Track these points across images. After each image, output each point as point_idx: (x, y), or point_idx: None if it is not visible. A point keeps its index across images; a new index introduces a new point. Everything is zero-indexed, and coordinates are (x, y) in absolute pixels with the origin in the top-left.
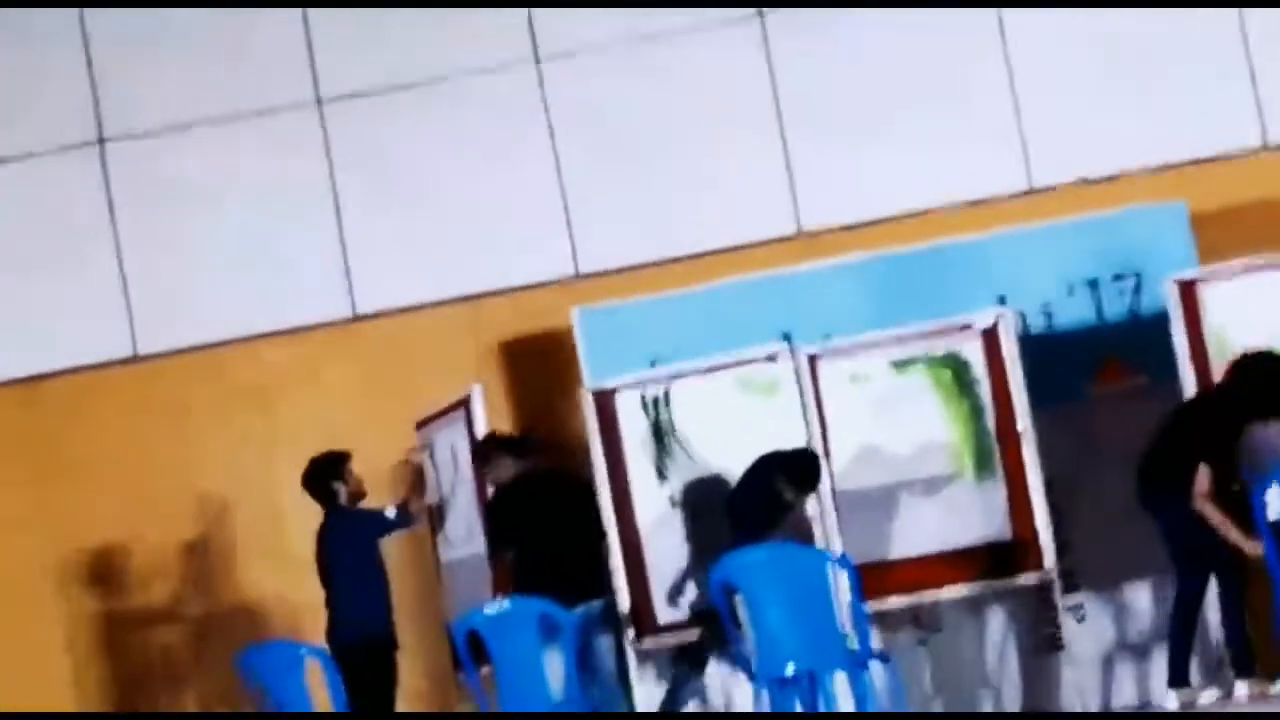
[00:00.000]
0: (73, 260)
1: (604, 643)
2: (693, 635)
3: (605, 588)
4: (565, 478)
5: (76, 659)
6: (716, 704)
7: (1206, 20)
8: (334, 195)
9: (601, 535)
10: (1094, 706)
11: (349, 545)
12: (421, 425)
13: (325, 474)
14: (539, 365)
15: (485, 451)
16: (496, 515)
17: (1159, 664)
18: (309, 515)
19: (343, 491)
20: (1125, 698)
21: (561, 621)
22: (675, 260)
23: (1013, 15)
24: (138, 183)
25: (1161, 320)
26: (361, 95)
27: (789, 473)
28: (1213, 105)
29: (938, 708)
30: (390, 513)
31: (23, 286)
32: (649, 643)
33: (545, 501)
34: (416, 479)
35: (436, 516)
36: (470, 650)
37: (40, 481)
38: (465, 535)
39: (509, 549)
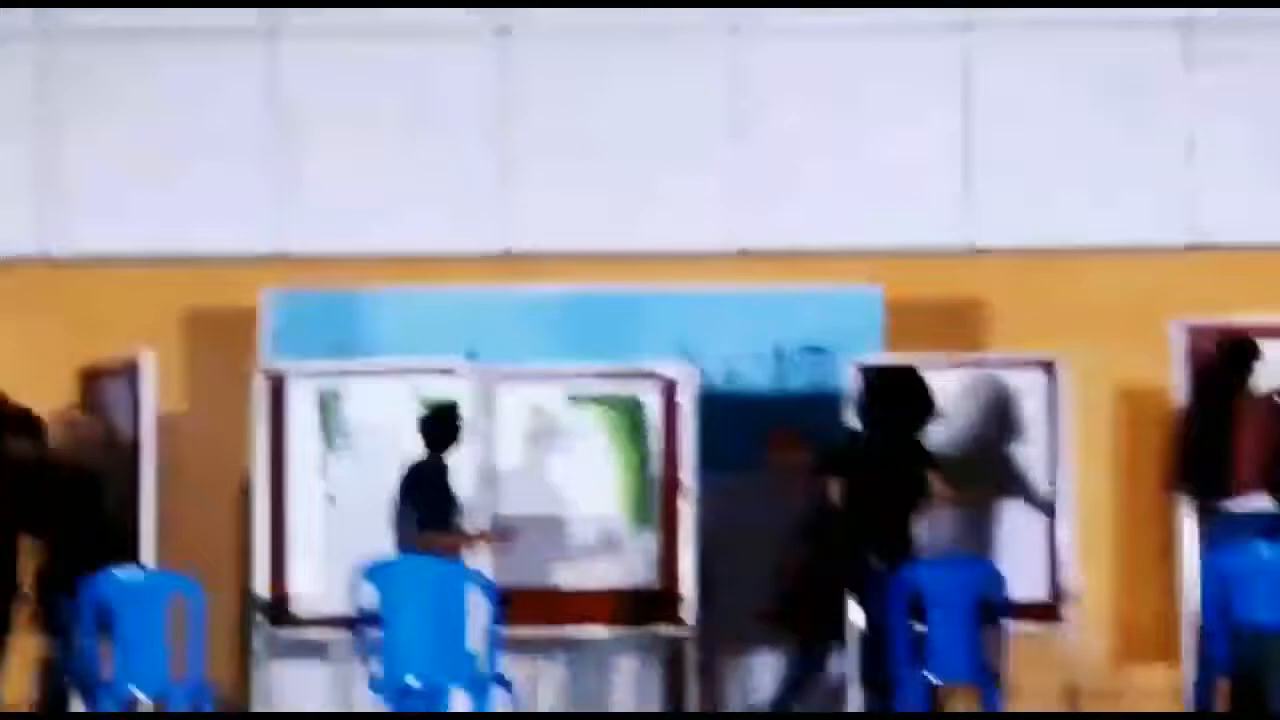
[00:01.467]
0: None
1: None
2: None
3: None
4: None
5: None
6: (339, 708)
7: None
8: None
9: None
10: None
11: None
12: (88, 381)
13: None
14: (222, 339)
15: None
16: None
17: None
18: None
19: None
20: None
21: (194, 597)
22: (377, 259)
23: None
24: None
25: (841, 400)
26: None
27: (424, 428)
28: (923, 200)
29: None
30: None
31: None
32: (284, 633)
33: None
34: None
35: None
36: (95, 617)
37: None
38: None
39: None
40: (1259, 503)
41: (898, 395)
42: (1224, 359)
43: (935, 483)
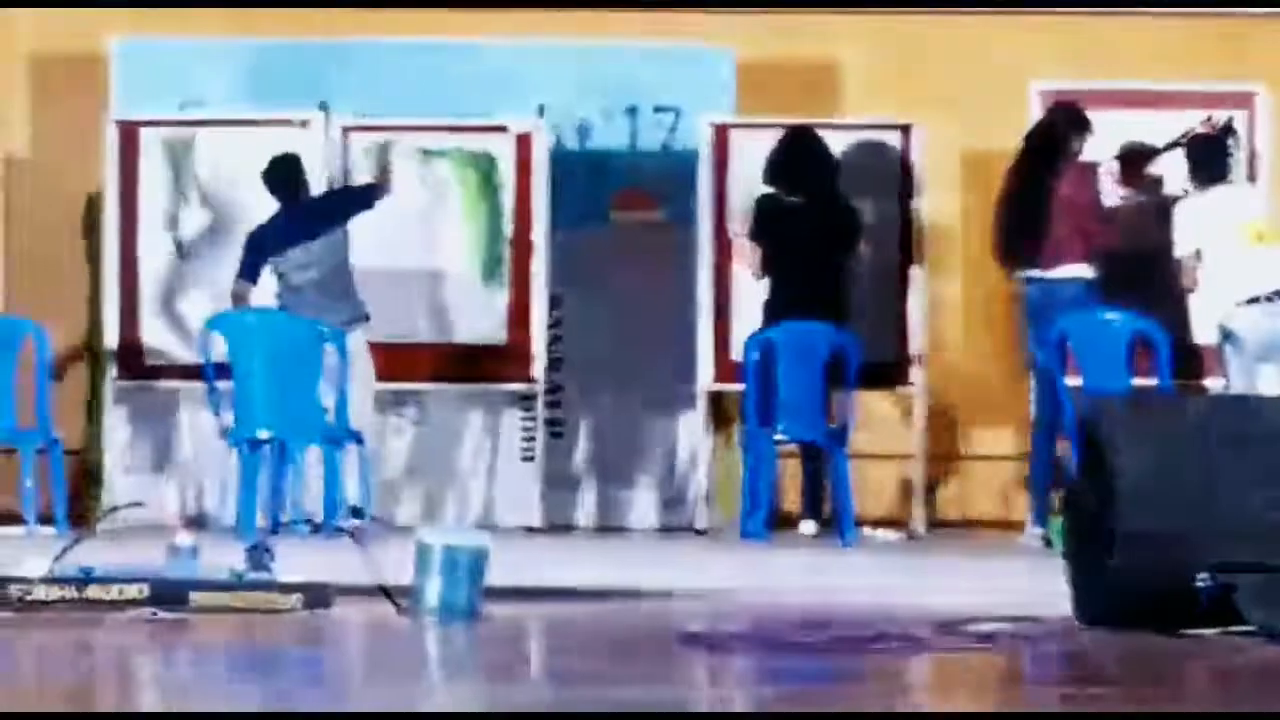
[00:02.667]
0: None
1: None
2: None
3: None
4: None
5: None
6: (187, 458)
7: None
8: None
9: None
10: (559, 520)
11: None
12: None
13: None
14: (67, 87)
15: None
16: None
17: (618, 489)
18: None
19: None
20: (588, 518)
21: (41, 341)
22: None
23: None
24: None
25: (692, 159)
26: None
27: (267, 180)
28: None
29: (407, 494)
30: None
31: None
32: (130, 383)
33: None
34: None
35: None
36: None
37: None
38: None
39: None
40: (1075, 270)
41: (805, 156)
42: (1049, 126)
43: (857, 239)
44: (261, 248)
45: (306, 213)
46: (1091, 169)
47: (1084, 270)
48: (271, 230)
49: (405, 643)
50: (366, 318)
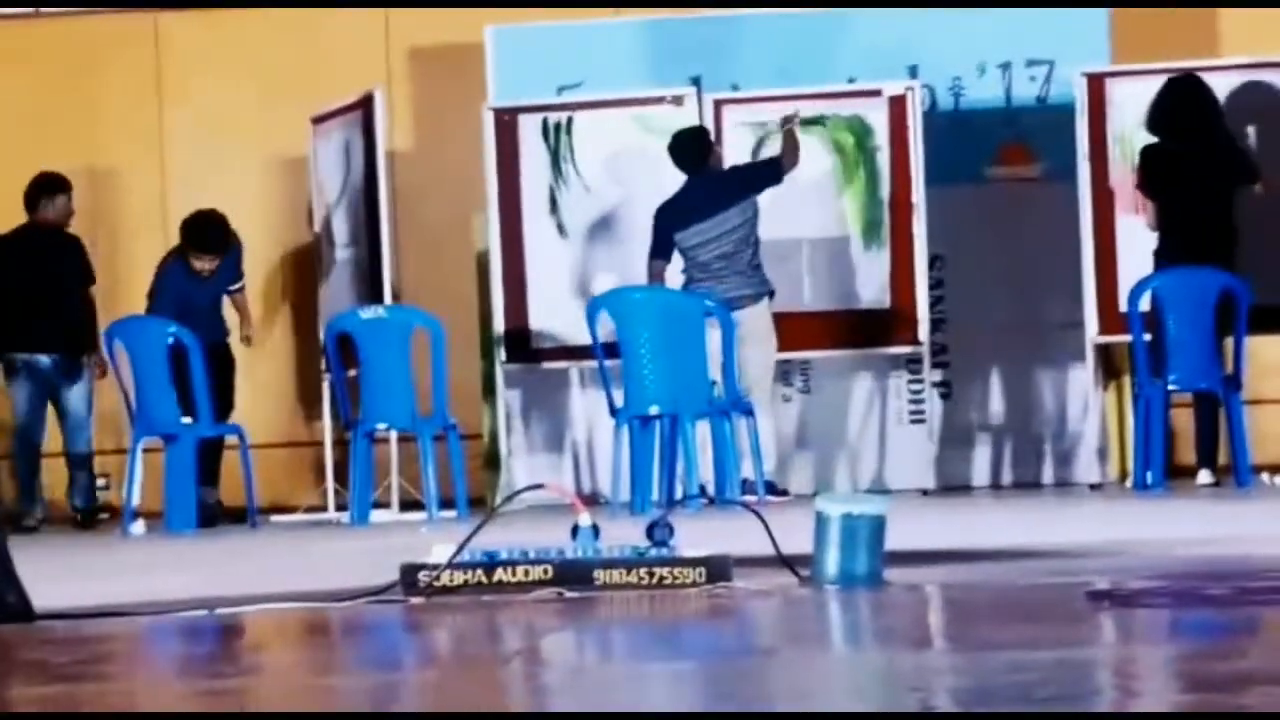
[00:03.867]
0: None
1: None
2: (561, 363)
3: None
4: (59, 232)
5: None
6: (578, 438)
7: None
8: None
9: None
10: (952, 480)
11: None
12: (319, 121)
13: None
14: (445, 77)
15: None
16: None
17: (1009, 447)
18: (194, 198)
19: None
20: (981, 477)
21: (436, 332)
22: None
23: None
24: None
25: (1068, 111)
26: None
27: (674, 154)
28: None
29: (796, 465)
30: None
31: None
32: (518, 365)
33: (46, 253)
34: None
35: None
36: (339, 352)
37: None
38: (349, 238)
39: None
40: None
41: (1188, 103)
42: None
43: (1249, 181)
44: (668, 223)
45: (713, 187)
46: None
47: None
48: (675, 205)
49: (813, 612)
50: (772, 293)
